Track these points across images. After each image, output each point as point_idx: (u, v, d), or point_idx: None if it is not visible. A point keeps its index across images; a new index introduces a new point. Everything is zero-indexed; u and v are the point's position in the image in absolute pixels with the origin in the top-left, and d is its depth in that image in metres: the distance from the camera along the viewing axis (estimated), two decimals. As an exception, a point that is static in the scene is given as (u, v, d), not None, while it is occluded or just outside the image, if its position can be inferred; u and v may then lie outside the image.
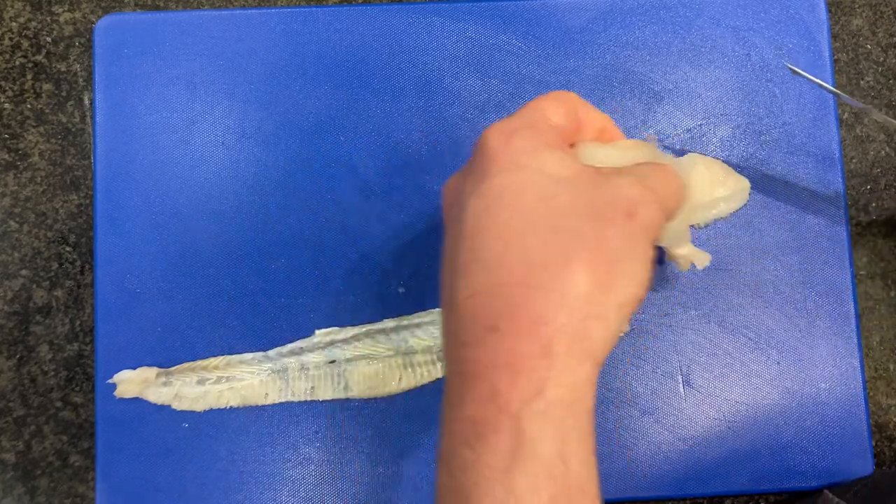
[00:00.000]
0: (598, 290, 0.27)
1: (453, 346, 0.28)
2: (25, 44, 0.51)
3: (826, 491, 0.43)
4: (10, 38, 0.51)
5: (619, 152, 0.33)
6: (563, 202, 0.27)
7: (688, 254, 0.40)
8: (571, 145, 0.33)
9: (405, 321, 0.47)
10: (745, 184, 0.41)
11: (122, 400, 0.46)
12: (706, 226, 0.47)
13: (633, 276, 0.28)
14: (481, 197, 0.28)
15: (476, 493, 0.25)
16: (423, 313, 0.47)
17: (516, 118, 0.30)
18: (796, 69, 0.45)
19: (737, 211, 0.43)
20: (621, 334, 0.47)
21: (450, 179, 0.32)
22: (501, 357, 0.26)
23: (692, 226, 0.44)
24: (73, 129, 0.50)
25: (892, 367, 0.49)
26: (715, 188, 0.42)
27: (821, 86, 0.45)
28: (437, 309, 0.47)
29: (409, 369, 0.46)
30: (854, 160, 0.51)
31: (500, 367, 0.26)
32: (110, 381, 0.46)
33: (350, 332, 0.46)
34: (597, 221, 0.27)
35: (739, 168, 0.49)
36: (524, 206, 0.27)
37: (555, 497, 0.26)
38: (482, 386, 0.26)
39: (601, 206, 0.28)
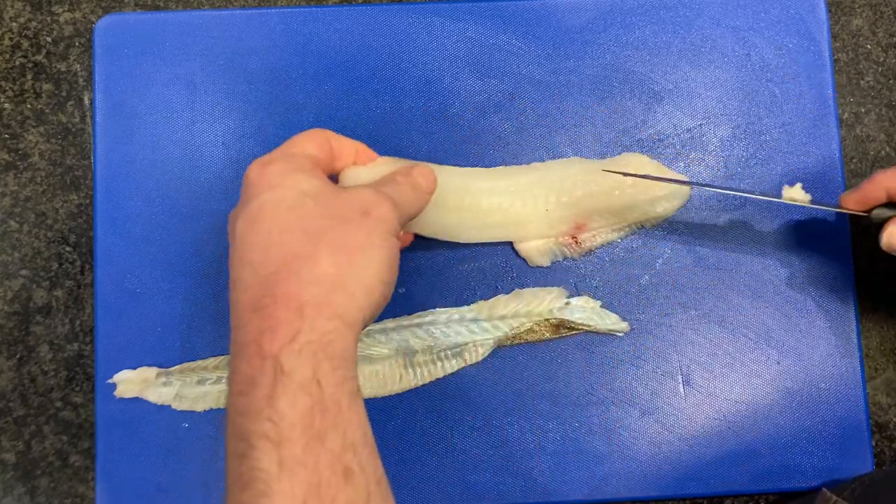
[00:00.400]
0: (340, 271, 0.34)
1: (234, 337, 0.33)
2: (25, 44, 0.51)
3: (824, 489, 0.43)
4: (10, 38, 0.51)
5: (374, 169, 0.42)
6: (311, 209, 0.34)
7: (527, 249, 0.47)
8: (333, 172, 0.41)
9: (405, 321, 0.47)
10: (683, 187, 0.46)
11: (122, 400, 0.46)
12: (652, 226, 0.47)
13: (372, 260, 0.35)
14: (246, 217, 0.35)
15: (249, 423, 0.30)
16: (422, 313, 0.47)
17: (274, 152, 0.38)
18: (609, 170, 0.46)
19: (677, 208, 0.47)
20: (621, 333, 0.47)
21: (231, 213, 0.37)
22: (265, 323, 0.32)
23: (641, 225, 0.47)
24: (73, 129, 0.50)
25: (892, 367, 0.49)
26: (653, 187, 0.46)
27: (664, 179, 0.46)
28: (438, 308, 0.47)
29: (409, 369, 0.46)
30: (854, 160, 0.51)
31: (263, 331, 0.32)
32: (110, 381, 0.46)
33: (350, 332, 0.46)
34: (338, 221, 0.35)
35: (740, 168, 0.49)
36: (280, 215, 0.34)
37: (311, 408, 0.31)
38: (251, 348, 0.32)
39: (342, 209, 0.35)
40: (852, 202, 0.42)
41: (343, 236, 0.35)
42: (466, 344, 0.46)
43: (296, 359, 0.31)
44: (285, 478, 0.30)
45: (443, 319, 0.46)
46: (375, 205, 0.36)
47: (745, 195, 0.46)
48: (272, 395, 0.31)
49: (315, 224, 0.34)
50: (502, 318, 0.46)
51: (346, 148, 0.41)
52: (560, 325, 0.47)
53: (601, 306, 0.47)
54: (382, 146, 0.49)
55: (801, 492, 0.46)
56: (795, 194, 0.44)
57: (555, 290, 0.47)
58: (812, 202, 0.44)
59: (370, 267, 0.35)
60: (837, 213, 0.48)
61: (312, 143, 0.39)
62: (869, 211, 0.42)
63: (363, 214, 0.36)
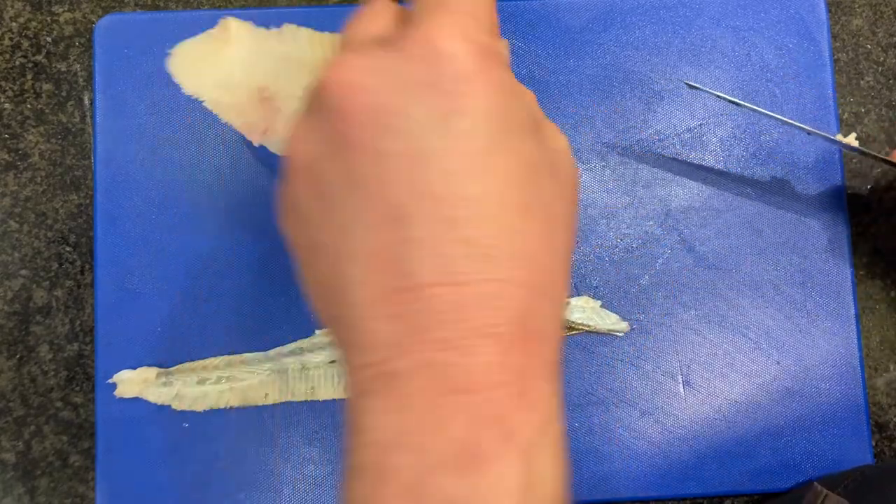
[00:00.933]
0: (563, 279, 0.23)
1: (413, 342, 0.20)
2: (25, 44, 0.51)
3: (815, 483, 0.42)
4: (10, 38, 0.51)
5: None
6: (524, 141, 0.22)
7: None
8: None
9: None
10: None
11: (122, 400, 0.46)
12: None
13: (573, 229, 0.24)
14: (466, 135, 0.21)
15: None
16: None
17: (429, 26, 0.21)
18: (693, 84, 0.43)
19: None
20: (621, 333, 0.47)
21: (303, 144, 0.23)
22: (507, 373, 0.20)
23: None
24: (73, 129, 0.50)
25: (892, 367, 0.49)
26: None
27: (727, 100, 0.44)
28: None
29: (409, 369, 0.46)
30: (854, 160, 0.51)
31: (503, 385, 0.20)
32: (110, 381, 0.46)
33: (350, 332, 0.46)
34: (530, 164, 0.22)
35: (740, 168, 0.49)
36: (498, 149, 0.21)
37: None
38: (477, 402, 0.20)
39: (518, 124, 0.22)
40: None
41: (571, 232, 0.24)
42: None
43: (545, 460, 0.21)
44: None
45: None
46: (524, 93, 0.23)
47: (798, 126, 0.43)
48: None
49: (555, 209, 0.22)
50: None
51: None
52: (560, 325, 0.47)
53: (601, 306, 0.47)
54: (382, 146, 0.49)
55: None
56: (849, 140, 0.44)
57: None
58: (860, 148, 0.43)
59: (571, 246, 0.24)
60: (840, 210, 0.48)
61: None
62: None
63: (576, 187, 0.24)
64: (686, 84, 0.44)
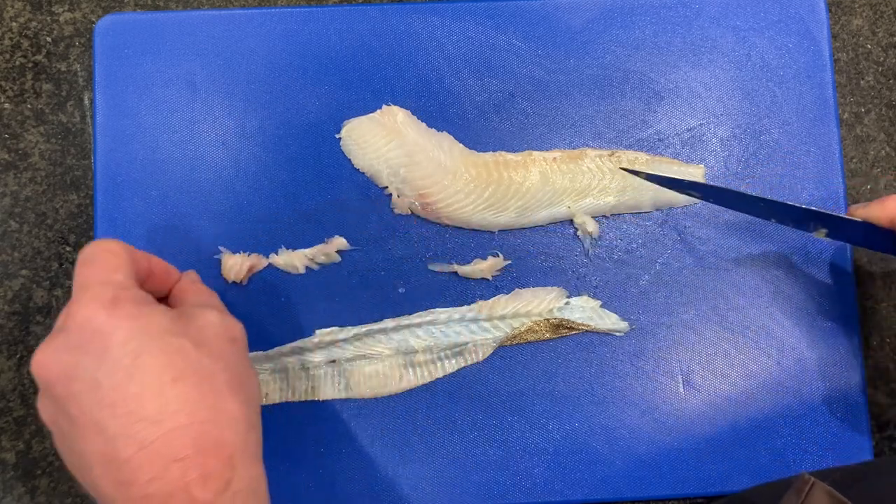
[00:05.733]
0: (246, 409, 0.34)
1: (135, 493, 0.31)
2: (25, 44, 0.51)
3: (804, 472, 0.42)
4: (10, 38, 0.51)
5: None
6: (189, 349, 0.34)
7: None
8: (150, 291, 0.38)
9: (405, 321, 0.47)
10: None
11: (122, 400, 0.46)
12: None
13: (257, 387, 0.37)
14: (115, 367, 0.32)
15: None
16: (422, 313, 0.47)
17: (97, 287, 0.34)
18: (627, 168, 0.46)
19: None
20: (620, 333, 0.47)
21: (43, 394, 0.35)
22: (192, 473, 0.31)
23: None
24: (73, 129, 0.50)
25: (892, 367, 0.49)
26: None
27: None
28: (438, 309, 0.47)
29: (410, 369, 0.46)
30: (854, 160, 0.51)
31: (191, 482, 0.31)
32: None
33: (350, 331, 0.46)
34: (216, 356, 0.35)
35: (740, 168, 0.49)
36: (161, 360, 0.33)
37: None
38: (178, 497, 0.31)
39: (212, 342, 0.35)
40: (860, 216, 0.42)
41: (230, 372, 0.34)
42: (466, 344, 0.46)
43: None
44: None
45: (443, 319, 0.46)
46: (232, 326, 0.36)
47: (772, 222, 0.45)
48: None
49: (202, 365, 0.33)
50: (502, 317, 0.46)
51: (157, 266, 0.39)
52: (560, 325, 0.47)
53: (601, 306, 0.47)
54: (382, 146, 0.49)
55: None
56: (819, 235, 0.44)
57: (554, 290, 0.47)
58: (827, 235, 0.44)
59: (258, 394, 0.36)
60: (840, 210, 0.48)
61: (122, 262, 0.35)
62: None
63: (231, 342, 0.36)
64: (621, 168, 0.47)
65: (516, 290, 0.47)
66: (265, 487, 0.34)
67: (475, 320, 0.47)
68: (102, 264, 0.34)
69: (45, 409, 0.34)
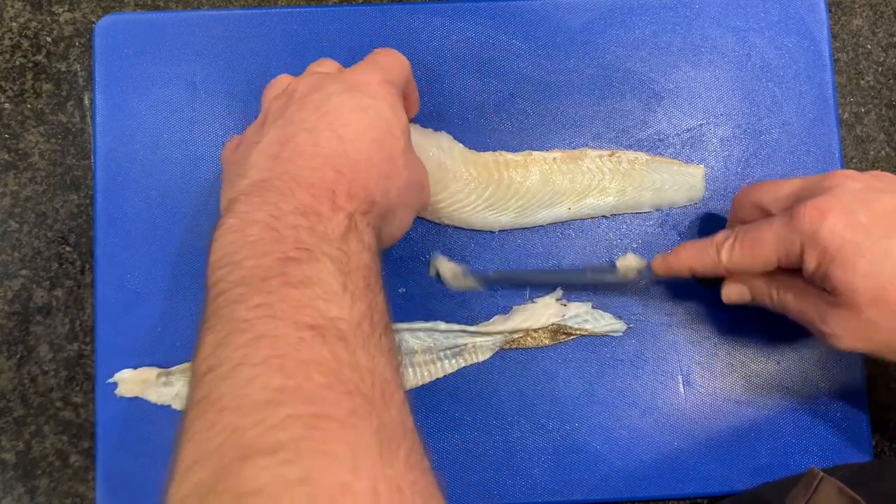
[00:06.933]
0: (409, 195, 0.38)
1: (291, 170, 0.33)
2: (25, 44, 0.51)
3: (813, 466, 0.42)
4: (10, 38, 0.51)
5: None
6: (398, 136, 0.38)
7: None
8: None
9: (404, 326, 0.46)
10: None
11: (122, 400, 0.46)
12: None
13: (425, 176, 0.41)
14: (337, 95, 0.37)
15: (313, 239, 0.31)
16: (423, 323, 0.46)
17: (374, 67, 0.39)
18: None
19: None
20: (619, 333, 0.47)
21: (275, 86, 0.41)
22: (342, 185, 0.33)
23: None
24: (73, 129, 0.50)
25: (892, 367, 0.49)
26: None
27: None
28: (439, 322, 0.47)
29: (410, 369, 0.46)
30: (854, 160, 0.51)
31: (339, 191, 0.33)
32: (111, 380, 0.46)
33: (350, 332, 0.46)
34: (410, 156, 0.39)
35: (740, 168, 0.49)
36: (374, 120, 0.37)
37: (369, 267, 0.32)
38: (321, 189, 0.33)
39: (411, 154, 0.39)
40: (661, 270, 0.44)
41: (414, 178, 0.38)
42: (466, 345, 0.46)
43: (365, 226, 0.33)
44: (348, 297, 0.30)
45: (442, 328, 0.46)
46: (400, 108, 0.38)
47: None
48: (345, 237, 0.32)
49: (400, 152, 0.37)
50: (501, 333, 0.46)
51: (412, 94, 0.43)
52: (558, 331, 0.46)
53: (592, 307, 0.47)
54: (382, 146, 0.49)
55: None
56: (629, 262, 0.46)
57: (551, 302, 0.47)
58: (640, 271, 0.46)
59: (426, 185, 0.41)
60: None
61: (405, 74, 0.40)
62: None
63: (397, 115, 0.38)
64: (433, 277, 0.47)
65: (514, 308, 0.47)
66: (378, 271, 0.34)
67: (475, 334, 0.46)
68: (395, 61, 0.40)
69: (277, 101, 0.38)
